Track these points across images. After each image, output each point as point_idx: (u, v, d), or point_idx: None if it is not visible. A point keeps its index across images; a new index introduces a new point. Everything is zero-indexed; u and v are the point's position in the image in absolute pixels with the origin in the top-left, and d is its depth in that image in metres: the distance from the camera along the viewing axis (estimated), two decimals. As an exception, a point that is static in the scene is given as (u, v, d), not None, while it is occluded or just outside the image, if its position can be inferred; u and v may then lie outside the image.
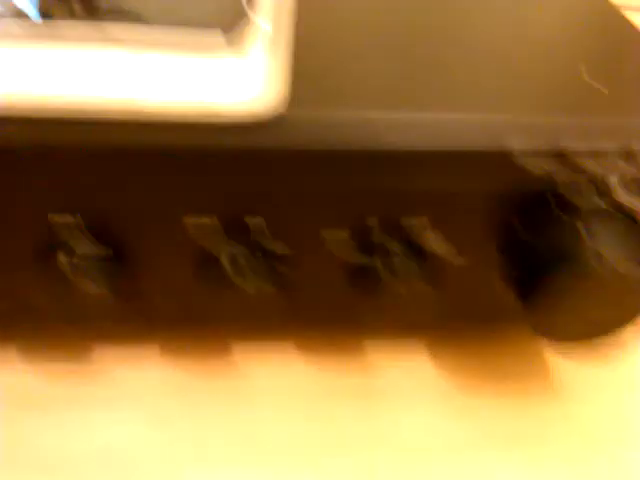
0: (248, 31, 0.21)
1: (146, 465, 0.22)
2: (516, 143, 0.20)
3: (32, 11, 0.20)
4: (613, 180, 0.21)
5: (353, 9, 0.27)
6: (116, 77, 0.19)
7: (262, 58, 0.21)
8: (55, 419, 0.23)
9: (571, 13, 0.29)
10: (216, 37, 0.20)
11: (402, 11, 0.27)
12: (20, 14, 0.20)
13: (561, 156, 0.21)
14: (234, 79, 0.20)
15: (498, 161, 0.21)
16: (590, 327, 0.23)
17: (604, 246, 0.21)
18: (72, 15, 0.20)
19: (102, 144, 0.19)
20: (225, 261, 0.21)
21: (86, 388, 0.24)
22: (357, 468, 0.23)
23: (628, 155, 0.21)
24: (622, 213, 0.22)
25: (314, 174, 0.20)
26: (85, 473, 0.22)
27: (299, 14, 0.25)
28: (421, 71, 0.22)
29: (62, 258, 0.21)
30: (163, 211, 0.21)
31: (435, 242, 0.23)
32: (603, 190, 0.21)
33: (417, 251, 0.22)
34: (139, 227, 0.22)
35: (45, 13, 0.20)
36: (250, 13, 0.21)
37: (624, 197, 0.22)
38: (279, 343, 0.26)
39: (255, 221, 0.22)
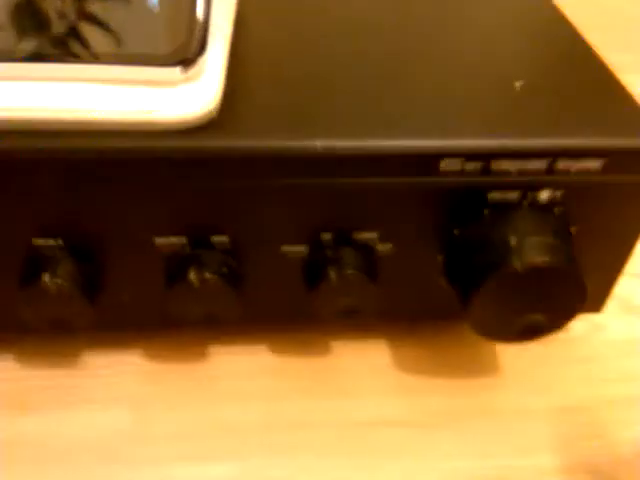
0: (196, 56, 0.23)
1: (129, 457, 0.25)
2: (448, 165, 0.23)
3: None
4: (541, 195, 0.24)
5: (285, 36, 0.28)
6: (71, 97, 0.22)
7: (204, 77, 0.23)
8: (45, 419, 0.26)
9: (520, 26, 0.31)
10: (170, 71, 0.22)
11: (331, 37, 0.28)
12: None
13: (492, 174, 0.23)
14: (177, 96, 0.22)
15: (434, 182, 0.23)
16: (528, 327, 0.25)
17: (526, 245, 0.23)
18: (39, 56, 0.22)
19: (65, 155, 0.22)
20: (192, 275, 0.24)
21: (72, 390, 0.27)
22: (316, 445, 0.26)
23: (554, 173, 0.23)
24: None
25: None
26: (72, 464, 0.25)
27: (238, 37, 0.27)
28: (348, 98, 0.24)
29: (46, 278, 0.23)
30: (133, 230, 0.24)
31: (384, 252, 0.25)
32: (531, 200, 0.24)
33: (368, 261, 0.25)
34: (113, 246, 0.24)
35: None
36: (198, 38, 0.23)
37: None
38: (250, 345, 0.29)
39: (219, 239, 0.24)
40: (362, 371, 0.29)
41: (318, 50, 0.27)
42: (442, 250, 0.25)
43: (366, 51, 0.27)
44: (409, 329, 0.30)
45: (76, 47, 0.22)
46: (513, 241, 0.23)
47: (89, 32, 0.23)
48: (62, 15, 0.23)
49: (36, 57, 0.22)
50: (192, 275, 0.24)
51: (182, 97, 0.22)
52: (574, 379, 0.29)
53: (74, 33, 0.23)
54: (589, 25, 0.55)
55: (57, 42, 0.23)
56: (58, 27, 0.23)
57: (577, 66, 0.27)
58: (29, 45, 0.22)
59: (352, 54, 0.27)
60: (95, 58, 0.22)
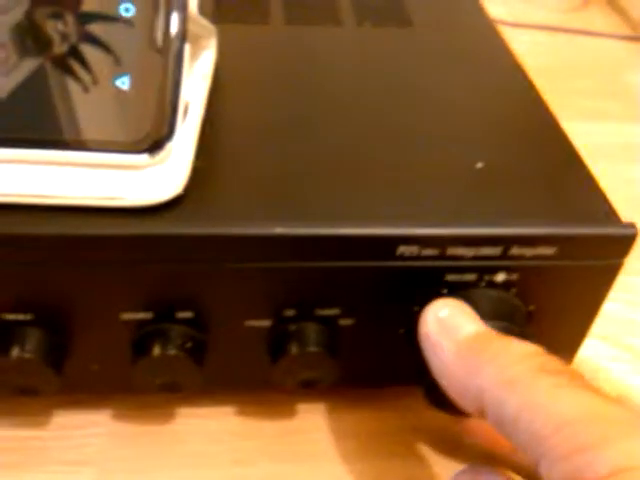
0: (164, 141, 0.23)
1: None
2: (406, 250, 0.23)
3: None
4: (497, 277, 0.24)
5: (252, 119, 0.29)
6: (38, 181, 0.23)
7: (171, 161, 0.24)
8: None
9: (491, 105, 0.31)
10: (138, 157, 0.23)
11: (304, 118, 0.29)
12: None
13: (449, 258, 0.24)
14: (144, 179, 0.23)
15: (392, 265, 0.24)
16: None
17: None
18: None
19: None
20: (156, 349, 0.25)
21: (41, 452, 0.27)
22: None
23: (508, 258, 0.24)
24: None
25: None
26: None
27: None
28: (310, 183, 0.25)
29: (15, 351, 0.24)
30: (100, 306, 0.24)
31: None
32: (487, 281, 0.25)
33: (330, 336, 0.26)
34: (81, 320, 0.25)
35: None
36: (167, 122, 0.24)
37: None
38: (217, 407, 0.29)
39: (184, 314, 0.25)
40: (329, 434, 0.29)
41: (291, 133, 0.28)
42: (404, 324, 0.26)
43: (334, 133, 0.28)
44: (373, 392, 0.31)
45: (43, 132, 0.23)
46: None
47: (55, 115, 0.24)
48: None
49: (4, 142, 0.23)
50: (156, 349, 0.24)
51: (149, 180, 0.23)
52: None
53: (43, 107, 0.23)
54: (574, 70, 0.56)
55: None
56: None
57: (543, 147, 0.28)
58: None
59: (320, 137, 0.28)
60: (63, 144, 0.23)
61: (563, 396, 0.18)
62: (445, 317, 0.22)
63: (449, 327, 0.22)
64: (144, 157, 0.23)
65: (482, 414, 0.20)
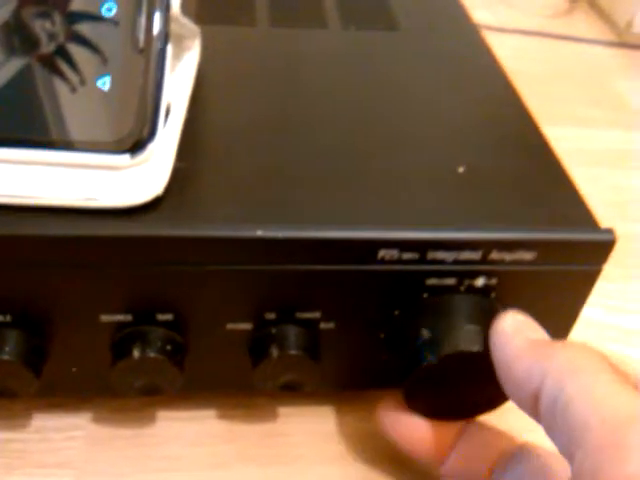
0: (146, 142, 0.23)
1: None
2: (386, 254, 0.23)
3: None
4: (477, 282, 0.25)
5: (234, 120, 0.29)
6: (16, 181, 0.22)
7: (152, 161, 0.23)
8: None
9: (474, 109, 0.31)
10: (119, 158, 0.23)
11: (286, 122, 0.29)
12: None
13: (429, 262, 0.24)
14: (124, 180, 0.23)
15: (373, 269, 0.24)
16: (462, 407, 0.26)
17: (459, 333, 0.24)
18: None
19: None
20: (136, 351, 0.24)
21: (21, 455, 0.27)
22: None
23: (488, 263, 0.24)
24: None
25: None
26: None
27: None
28: (291, 186, 0.25)
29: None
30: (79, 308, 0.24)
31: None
32: (467, 286, 0.25)
33: (311, 339, 0.26)
34: (60, 322, 0.25)
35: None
36: (149, 122, 0.24)
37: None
38: (197, 410, 0.29)
39: (164, 317, 0.25)
40: (309, 437, 0.29)
41: (273, 136, 0.28)
42: (384, 328, 0.26)
43: (317, 136, 0.28)
44: (355, 395, 0.31)
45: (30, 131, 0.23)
46: (446, 328, 0.24)
47: (37, 114, 0.23)
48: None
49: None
50: (136, 352, 0.24)
51: (129, 181, 0.23)
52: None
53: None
54: (558, 76, 0.57)
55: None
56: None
57: (524, 153, 0.28)
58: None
59: (302, 141, 0.27)
60: (44, 143, 0.23)
61: (619, 393, 0.19)
62: (523, 319, 0.23)
63: (526, 326, 0.23)
64: (125, 158, 0.23)
65: (535, 400, 0.20)
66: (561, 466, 0.23)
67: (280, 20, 0.37)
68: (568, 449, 0.19)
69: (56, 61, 0.24)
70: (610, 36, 0.65)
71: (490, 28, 0.61)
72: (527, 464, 0.25)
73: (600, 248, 0.24)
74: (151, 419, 0.29)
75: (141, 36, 0.24)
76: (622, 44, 0.64)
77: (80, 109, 0.24)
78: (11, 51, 0.24)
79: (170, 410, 0.29)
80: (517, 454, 0.25)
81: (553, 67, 0.59)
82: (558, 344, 0.21)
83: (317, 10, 0.39)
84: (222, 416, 0.29)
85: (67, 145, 0.23)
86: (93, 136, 0.23)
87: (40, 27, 0.24)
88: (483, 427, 0.27)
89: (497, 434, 0.27)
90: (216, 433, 0.29)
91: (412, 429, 0.26)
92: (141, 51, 0.24)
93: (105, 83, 0.24)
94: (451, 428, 0.26)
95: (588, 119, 0.52)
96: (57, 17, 0.25)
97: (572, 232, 0.24)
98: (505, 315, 0.23)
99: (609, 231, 0.24)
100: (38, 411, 0.29)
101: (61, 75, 0.24)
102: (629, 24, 0.64)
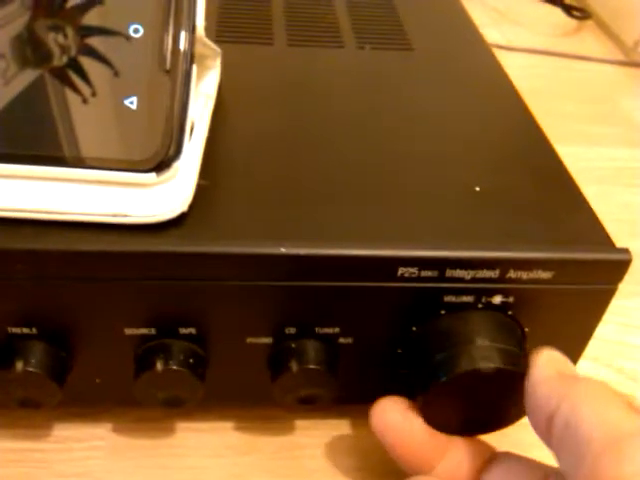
0: (171, 161, 0.24)
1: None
2: (405, 272, 0.24)
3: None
4: (494, 300, 0.25)
5: (254, 138, 0.29)
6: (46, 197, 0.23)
7: (177, 179, 0.24)
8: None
9: (490, 130, 0.32)
10: (146, 176, 0.23)
11: (308, 138, 0.30)
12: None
13: (447, 280, 0.24)
14: (150, 197, 0.24)
15: (392, 286, 0.24)
16: (478, 422, 0.26)
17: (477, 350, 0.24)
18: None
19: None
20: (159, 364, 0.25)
21: (43, 465, 0.28)
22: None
23: (506, 281, 0.24)
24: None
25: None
26: None
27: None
28: (312, 202, 0.26)
29: (19, 365, 0.24)
30: (104, 321, 0.25)
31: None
32: (485, 303, 0.25)
33: (330, 354, 0.26)
34: (85, 335, 0.25)
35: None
36: (174, 141, 0.24)
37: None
38: (216, 422, 0.30)
39: (187, 330, 0.25)
40: (325, 450, 0.30)
41: (293, 152, 0.28)
42: (401, 344, 0.27)
43: (336, 154, 0.29)
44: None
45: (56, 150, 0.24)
46: (465, 345, 0.24)
47: (66, 132, 0.24)
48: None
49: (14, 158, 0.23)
50: (159, 364, 0.25)
51: (155, 198, 0.24)
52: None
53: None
54: (566, 94, 0.57)
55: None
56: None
57: (539, 172, 0.29)
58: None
59: (322, 158, 0.28)
60: (72, 161, 0.23)
61: (625, 415, 0.20)
62: (559, 356, 0.24)
63: (560, 360, 0.24)
64: (151, 176, 0.23)
65: (549, 422, 0.22)
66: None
67: (297, 40, 0.38)
68: (574, 468, 0.20)
69: (76, 79, 0.25)
70: (618, 55, 0.66)
71: (499, 47, 0.61)
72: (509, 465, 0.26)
73: (616, 267, 0.25)
74: (171, 430, 0.29)
75: (168, 56, 0.25)
76: (629, 63, 0.65)
77: (107, 128, 0.24)
78: (26, 65, 0.24)
79: (190, 421, 0.30)
80: (500, 456, 0.26)
81: (561, 85, 0.60)
82: (581, 377, 0.23)
83: (333, 30, 0.40)
84: (240, 428, 0.30)
85: (94, 163, 0.24)
86: (120, 155, 0.24)
87: (54, 43, 0.25)
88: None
89: (483, 442, 0.27)
90: (234, 445, 0.29)
91: (407, 435, 0.26)
92: (167, 72, 0.25)
93: (133, 103, 0.24)
94: (444, 436, 0.27)
95: (596, 137, 0.53)
96: (71, 33, 0.25)
97: (589, 252, 0.24)
98: (543, 349, 0.24)
99: (625, 251, 0.24)
100: (59, 421, 0.29)
101: (85, 93, 0.24)
102: (636, 43, 0.65)
